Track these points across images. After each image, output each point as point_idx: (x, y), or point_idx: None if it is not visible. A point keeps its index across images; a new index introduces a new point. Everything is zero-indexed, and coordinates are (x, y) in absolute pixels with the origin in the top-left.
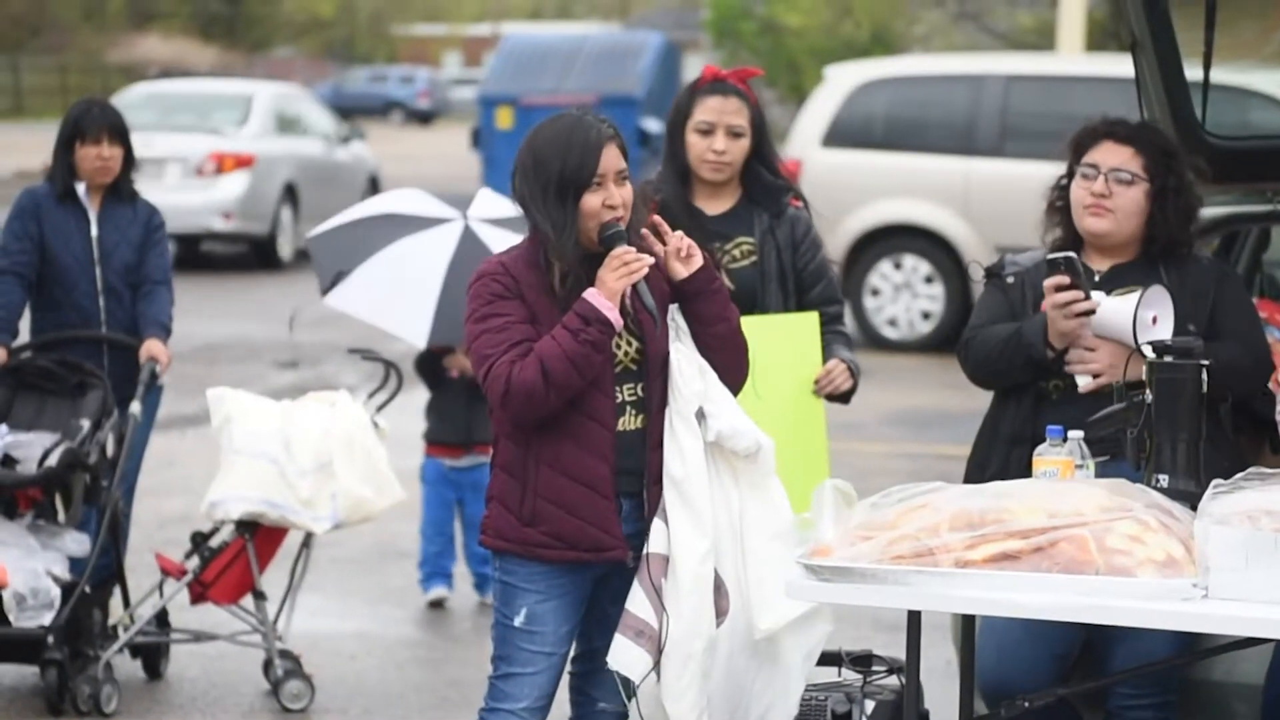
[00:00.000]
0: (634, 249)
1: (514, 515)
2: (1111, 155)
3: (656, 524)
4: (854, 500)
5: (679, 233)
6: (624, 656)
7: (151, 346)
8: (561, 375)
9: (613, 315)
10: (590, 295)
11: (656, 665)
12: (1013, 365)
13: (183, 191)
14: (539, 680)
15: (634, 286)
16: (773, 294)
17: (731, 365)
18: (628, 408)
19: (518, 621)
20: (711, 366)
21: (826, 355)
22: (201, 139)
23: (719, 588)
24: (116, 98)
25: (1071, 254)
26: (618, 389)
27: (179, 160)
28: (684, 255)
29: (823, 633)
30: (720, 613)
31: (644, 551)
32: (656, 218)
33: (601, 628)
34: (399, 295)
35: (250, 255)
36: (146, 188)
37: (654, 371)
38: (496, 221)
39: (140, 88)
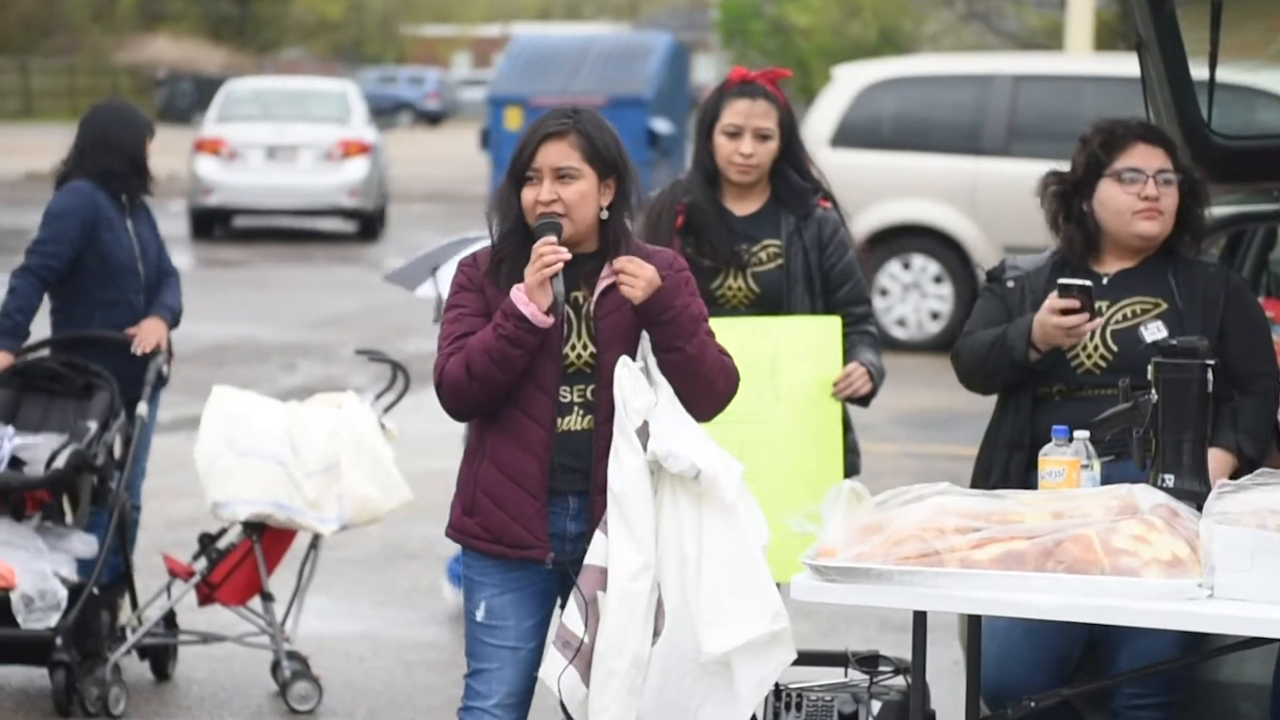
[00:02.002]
0: (554, 242)
1: (460, 505)
2: (1152, 158)
3: (597, 535)
4: (868, 502)
5: (622, 259)
6: (550, 667)
7: (148, 324)
8: (481, 368)
9: (529, 310)
10: (513, 291)
11: (585, 677)
12: (999, 368)
13: (316, 174)
14: (505, 675)
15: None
16: (798, 295)
17: (688, 394)
18: (576, 408)
19: (479, 616)
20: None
21: (851, 357)
22: (329, 129)
23: (658, 606)
24: (221, 93)
25: (1088, 284)
26: (568, 389)
27: (311, 147)
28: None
29: (781, 661)
30: (655, 631)
31: (584, 563)
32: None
33: None
34: None
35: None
36: (281, 171)
37: (605, 379)
38: None
39: (243, 83)
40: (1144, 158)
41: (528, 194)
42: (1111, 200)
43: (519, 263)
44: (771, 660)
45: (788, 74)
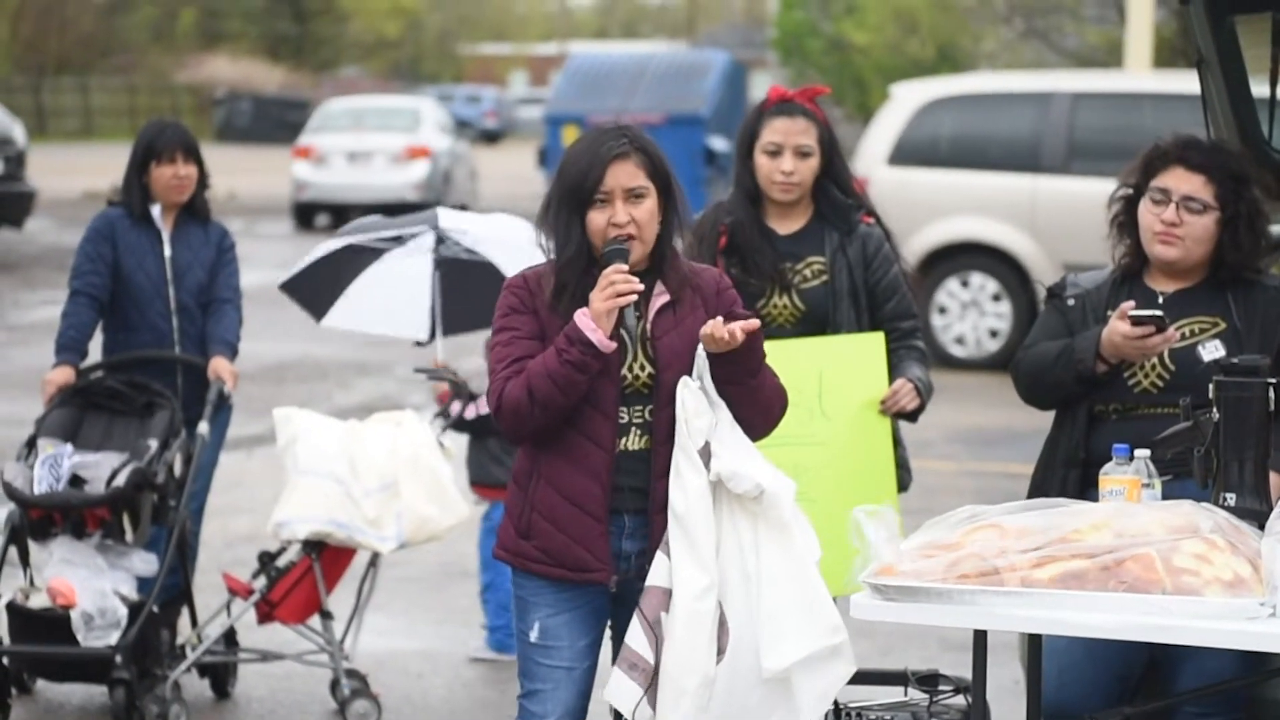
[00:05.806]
0: (625, 269)
1: (514, 527)
2: (1183, 182)
3: (659, 556)
4: (884, 519)
5: (716, 321)
6: (618, 689)
7: (218, 365)
8: (544, 393)
9: (595, 337)
10: (578, 316)
11: (651, 699)
12: (1063, 380)
13: (387, 173)
14: (560, 696)
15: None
16: (844, 312)
17: (747, 420)
18: (633, 428)
19: (533, 636)
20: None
21: (898, 372)
22: (399, 136)
23: (721, 624)
24: (319, 110)
25: (1161, 314)
26: (626, 410)
27: (383, 152)
28: (718, 338)
29: (841, 675)
30: (719, 650)
31: (645, 584)
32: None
33: None
34: (393, 301)
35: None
36: (359, 171)
37: (664, 399)
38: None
39: (336, 102)
40: (1175, 181)
41: (597, 217)
42: (1142, 218)
43: (583, 289)
44: (831, 673)
45: (826, 91)
